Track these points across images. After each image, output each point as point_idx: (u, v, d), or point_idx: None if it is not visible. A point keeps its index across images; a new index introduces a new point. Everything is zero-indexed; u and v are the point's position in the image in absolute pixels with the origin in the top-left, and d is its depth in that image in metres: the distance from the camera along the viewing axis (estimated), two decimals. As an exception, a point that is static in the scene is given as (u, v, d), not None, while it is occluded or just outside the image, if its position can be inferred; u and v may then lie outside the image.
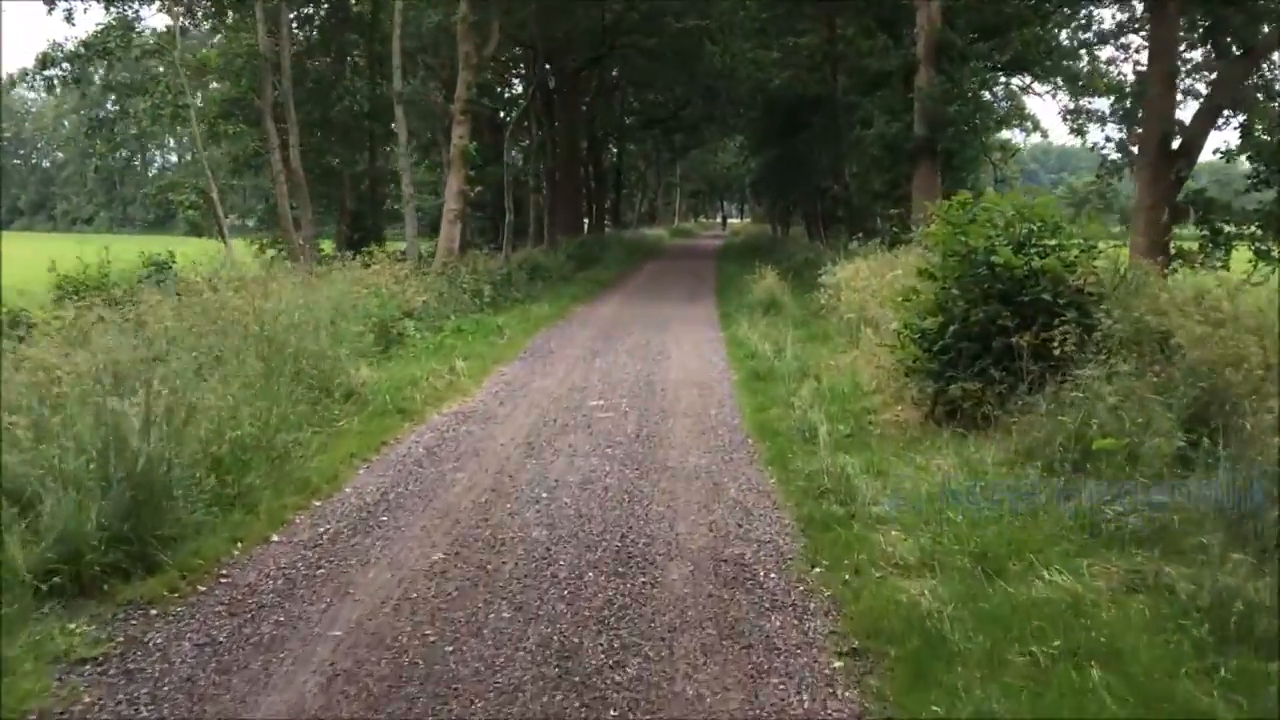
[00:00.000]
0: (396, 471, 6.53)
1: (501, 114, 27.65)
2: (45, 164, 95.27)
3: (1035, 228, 7.28)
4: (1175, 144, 13.11)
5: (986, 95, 19.03)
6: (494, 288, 16.99)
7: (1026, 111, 30.07)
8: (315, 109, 20.30)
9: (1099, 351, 6.07)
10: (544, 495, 5.97)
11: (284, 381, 7.10)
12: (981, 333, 6.88)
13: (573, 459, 6.83)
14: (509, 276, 18.18)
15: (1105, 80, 19.48)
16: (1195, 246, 13.64)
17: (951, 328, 7.04)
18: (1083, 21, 20.47)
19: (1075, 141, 24.27)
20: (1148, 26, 15.65)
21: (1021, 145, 29.77)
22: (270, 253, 18.60)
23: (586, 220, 43.37)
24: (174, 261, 14.08)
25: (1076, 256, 7.12)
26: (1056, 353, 6.21)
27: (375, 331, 10.71)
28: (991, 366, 6.72)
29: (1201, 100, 15.94)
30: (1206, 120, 13.97)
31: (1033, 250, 7.04)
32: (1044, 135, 49.70)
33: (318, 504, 5.76)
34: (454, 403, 8.62)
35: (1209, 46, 15.31)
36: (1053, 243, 7.23)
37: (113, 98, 20.31)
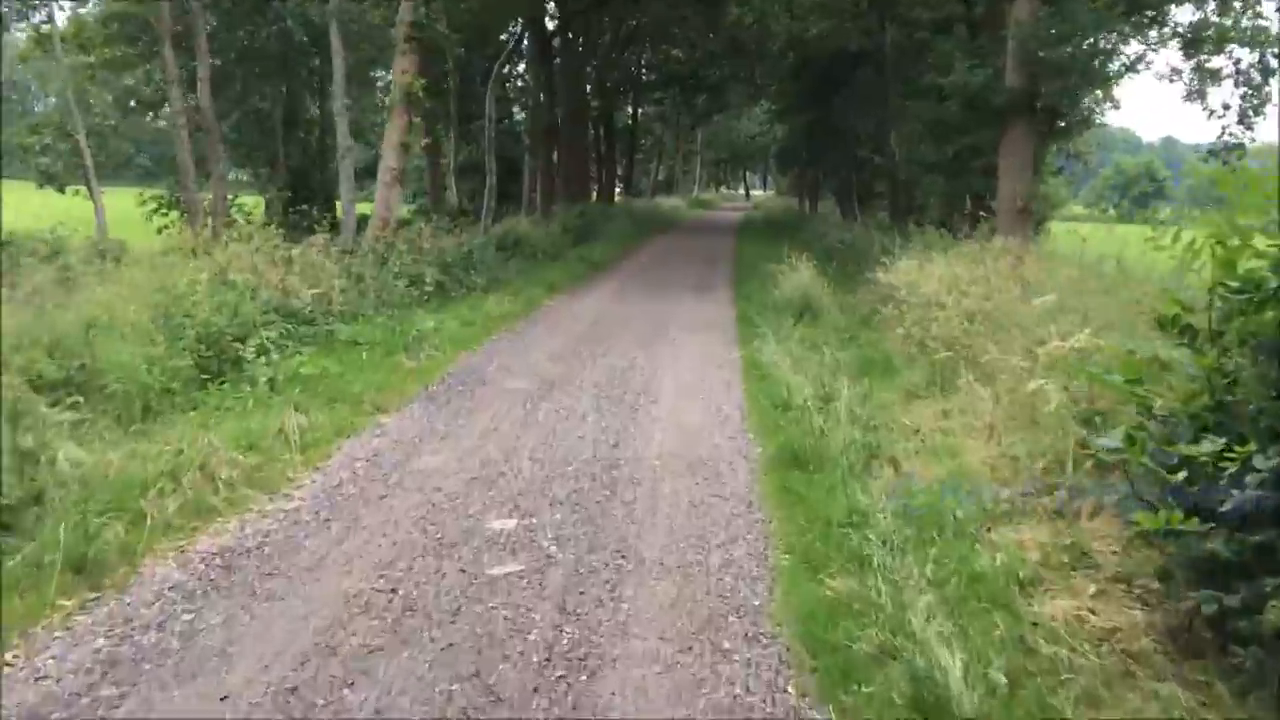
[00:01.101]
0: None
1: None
2: None
3: None
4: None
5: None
6: (444, 270, 13.05)
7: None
8: (236, 33, 16.21)
9: None
10: None
11: None
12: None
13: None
14: (468, 256, 14.21)
15: (1239, 28, 15.15)
16: None
17: (1266, 462, 3.06)
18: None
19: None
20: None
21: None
22: (171, 216, 14.66)
23: (596, 186, 39.39)
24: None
25: None
26: None
27: (195, 353, 6.80)
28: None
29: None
30: None
31: None
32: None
33: None
34: (223, 524, 4.60)
35: None
36: None
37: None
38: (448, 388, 7.69)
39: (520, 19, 19.37)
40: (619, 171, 46.64)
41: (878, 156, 30.52)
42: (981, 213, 18.20)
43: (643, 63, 39.05)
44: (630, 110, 44.41)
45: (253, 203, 16.40)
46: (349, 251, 12.35)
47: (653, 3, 24.40)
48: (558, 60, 27.35)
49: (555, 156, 30.42)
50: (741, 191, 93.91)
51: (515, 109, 30.63)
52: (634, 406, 7.37)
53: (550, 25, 24.97)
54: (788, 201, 47.14)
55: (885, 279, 12.32)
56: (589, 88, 36.90)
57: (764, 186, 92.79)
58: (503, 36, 24.75)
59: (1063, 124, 13.80)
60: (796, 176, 39.03)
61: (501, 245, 18.65)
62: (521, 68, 28.80)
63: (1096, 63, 11.98)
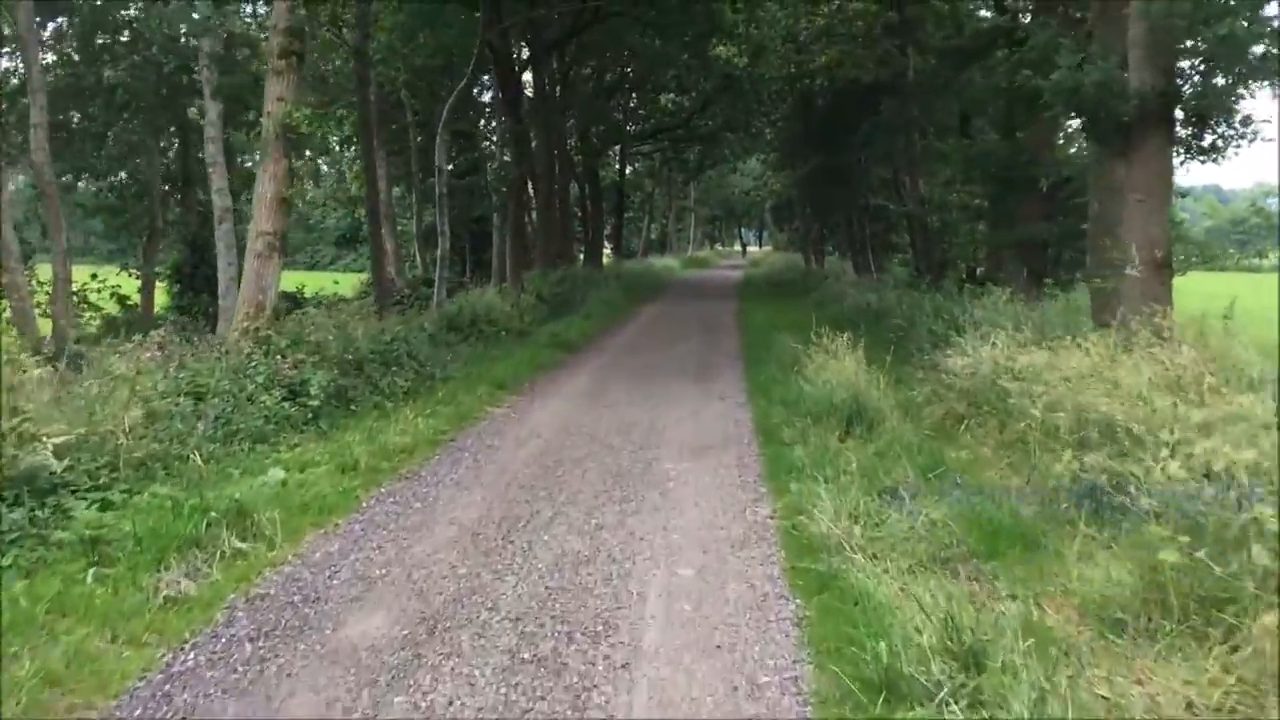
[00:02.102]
0: None
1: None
2: None
3: None
4: None
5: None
6: (348, 371, 9.42)
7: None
8: (92, 68, 12.76)
9: None
10: None
11: None
12: None
13: None
14: (388, 348, 10.57)
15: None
16: None
17: None
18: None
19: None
20: None
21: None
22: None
23: (583, 248, 36.03)
24: None
25: None
26: None
27: None
28: None
29: None
30: None
31: None
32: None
33: None
34: None
35: None
36: None
37: None
38: (211, 659, 3.95)
39: (475, 53, 16.05)
40: (607, 231, 43.50)
41: (891, 204, 27.24)
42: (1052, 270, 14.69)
43: (631, 105, 35.90)
44: (618, 164, 41.29)
45: (117, 280, 12.79)
46: (217, 353, 8.77)
47: (629, 33, 21.11)
48: (529, 105, 24.11)
49: (533, 216, 27.12)
50: (737, 248, 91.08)
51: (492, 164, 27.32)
52: (584, 691, 3.66)
53: (526, 63, 21.71)
54: (789, 257, 43.83)
55: (962, 366, 8.72)
56: (571, 140, 33.83)
57: (759, 242, 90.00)
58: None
59: (1209, 138, 10.40)
60: (800, 230, 35.69)
61: (454, 325, 15.13)
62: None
63: (1263, 52, 8.45)
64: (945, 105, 17.18)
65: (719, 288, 33.59)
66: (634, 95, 36.08)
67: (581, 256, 34.35)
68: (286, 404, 8.25)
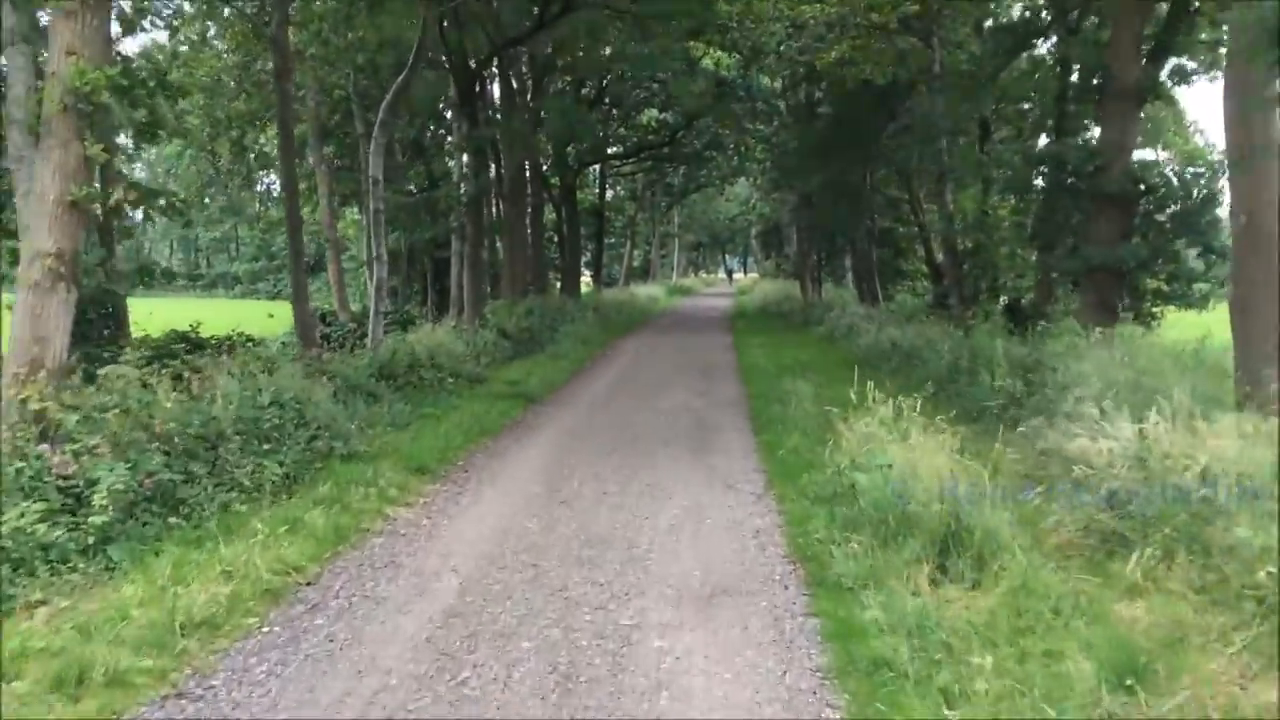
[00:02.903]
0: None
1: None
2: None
3: None
4: None
5: None
6: (186, 457, 6.36)
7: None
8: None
9: None
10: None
11: None
12: None
13: None
14: (263, 415, 7.50)
15: None
16: None
17: None
18: None
19: None
20: None
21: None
22: None
23: (560, 275, 32.97)
24: None
25: None
26: None
27: None
28: None
29: None
30: None
31: None
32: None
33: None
34: None
35: None
36: None
37: None
38: None
39: (417, 40, 13.14)
40: (585, 258, 40.60)
41: (901, 226, 24.47)
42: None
43: (613, 122, 33.07)
44: (598, 186, 38.45)
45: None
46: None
47: (606, 30, 18.24)
48: (495, 112, 21.23)
49: (488, 237, 24.16)
50: (722, 275, 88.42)
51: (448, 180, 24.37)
52: None
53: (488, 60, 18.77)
54: (782, 285, 40.96)
55: (1104, 454, 5.77)
56: (545, 160, 31.00)
57: (744, 269, 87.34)
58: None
59: None
60: (796, 256, 32.83)
61: (387, 372, 12.11)
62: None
63: None
64: (976, 106, 14.35)
65: (708, 318, 30.64)
66: (614, 111, 33.33)
67: (558, 285, 31.38)
68: (53, 523, 5.18)
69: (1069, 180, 11.43)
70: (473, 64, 17.31)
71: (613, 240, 48.92)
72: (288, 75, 13.80)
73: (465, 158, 17.72)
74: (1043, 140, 14.62)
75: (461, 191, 17.19)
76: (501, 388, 12.87)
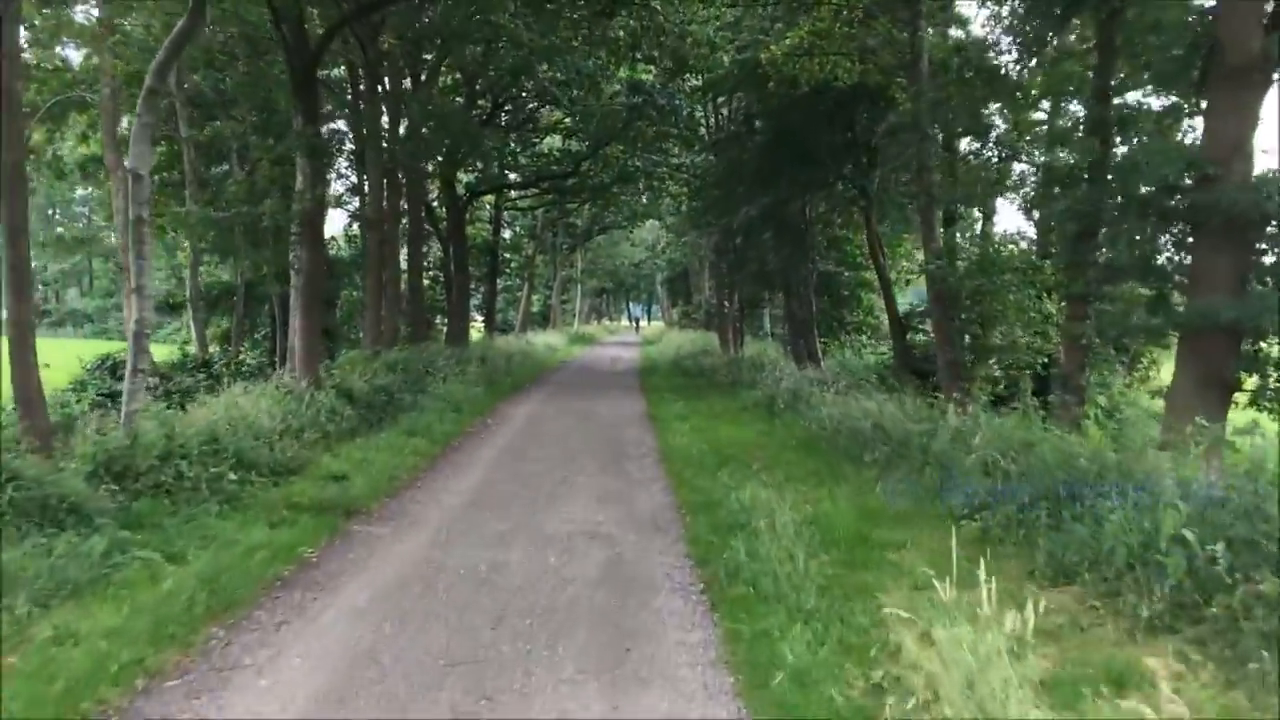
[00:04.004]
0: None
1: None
2: None
3: None
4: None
5: None
6: None
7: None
8: None
9: None
10: None
11: None
12: None
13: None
14: None
15: None
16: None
17: None
18: None
19: None
20: None
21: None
22: None
23: (448, 319, 28.31)
24: None
25: None
26: None
27: None
28: None
29: None
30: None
31: None
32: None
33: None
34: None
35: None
36: None
37: None
38: None
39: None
40: (477, 301, 36.29)
41: (846, 270, 21.01)
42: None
43: (509, 139, 29.00)
44: (492, 222, 34.24)
45: None
46: None
47: (495, 6, 14.14)
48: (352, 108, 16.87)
49: (367, 276, 19.67)
50: (625, 323, 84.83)
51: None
52: None
53: (330, 34, 14.46)
54: (693, 336, 37.31)
55: None
56: (432, 185, 26.70)
57: (648, 318, 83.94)
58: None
59: None
60: (716, 303, 29.11)
61: (121, 470, 7.71)
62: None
63: None
64: (991, 94, 10.82)
65: (614, 374, 26.53)
66: (512, 135, 29.27)
67: (448, 331, 26.88)
68: None
69: (1151, 198, 7.82)
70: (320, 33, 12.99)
71: (509, 283, 44.62)
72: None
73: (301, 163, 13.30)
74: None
75: (293, 209, 12.73)
76: (313, 489, 8.47)
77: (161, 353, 21.98)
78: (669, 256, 53.11)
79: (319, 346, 14.18)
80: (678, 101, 18.21)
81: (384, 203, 18.52)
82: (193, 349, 22.28)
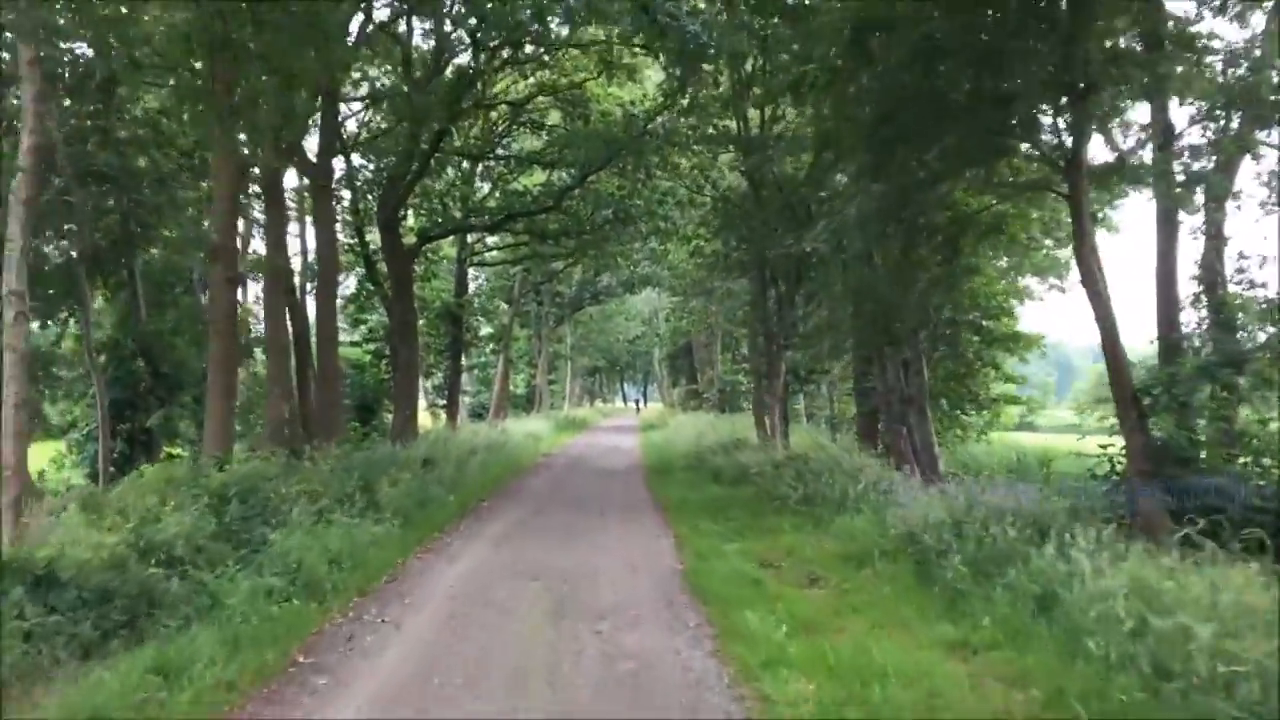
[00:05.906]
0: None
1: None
2: None
3: None
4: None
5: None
6: None
7: None
8: None
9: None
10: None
11: None
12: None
13: None
14: None
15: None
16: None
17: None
18: None
19: None
20: None
21: None
22: None
23: (393, 407, 20.85)
24: None
25: None
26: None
27: None
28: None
29: None
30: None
31: None
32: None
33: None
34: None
35: None
36: None
37: None
38: None
39: None
40: (438, 381, 29.18)
41: (974, 314, 13.95)
42: None
43: (461, 192, 22.06)
44: (455, 279, 27.21)
45: None
46: None
47: None
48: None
49: (213, 341, 12.51)
50: (623, 403, 77.46)
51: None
52: None
53: None
54: (708, 420, 30.02)
55: None
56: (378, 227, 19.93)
57: (645, 398, 76.51)
58: None
59: None
60: (757, 374, 21.77)
61: None
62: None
63: None
64: None
65: (616, 477, 19.06)
66: (477, 164, 22.41)
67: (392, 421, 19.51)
68: None
69: None
70: None
71: (483, 359, 37.41)
72: None
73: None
74: None
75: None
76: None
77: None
78: (672, 325, 46.04)
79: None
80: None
81: (235, 219, 11.38)
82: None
